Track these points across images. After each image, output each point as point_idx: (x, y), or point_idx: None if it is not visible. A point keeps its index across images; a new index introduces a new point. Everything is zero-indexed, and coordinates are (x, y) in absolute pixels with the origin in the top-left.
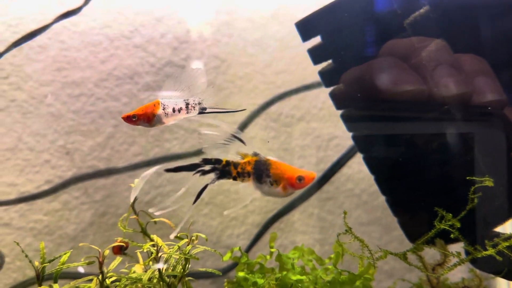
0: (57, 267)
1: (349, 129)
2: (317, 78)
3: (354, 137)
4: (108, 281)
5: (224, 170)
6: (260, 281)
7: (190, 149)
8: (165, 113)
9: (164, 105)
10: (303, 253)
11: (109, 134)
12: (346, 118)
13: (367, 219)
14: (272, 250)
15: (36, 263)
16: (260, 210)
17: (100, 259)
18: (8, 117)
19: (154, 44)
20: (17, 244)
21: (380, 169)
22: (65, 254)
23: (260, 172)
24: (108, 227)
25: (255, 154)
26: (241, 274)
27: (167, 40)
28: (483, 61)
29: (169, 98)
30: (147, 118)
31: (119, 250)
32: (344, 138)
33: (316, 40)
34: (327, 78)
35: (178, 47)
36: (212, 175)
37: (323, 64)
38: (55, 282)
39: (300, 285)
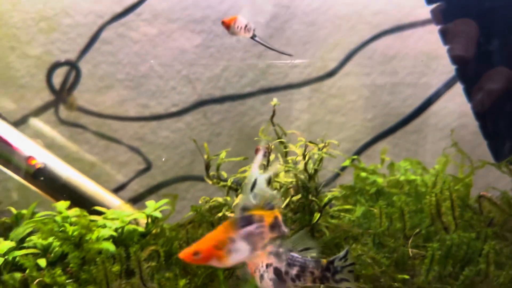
0: (218, 161)
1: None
2: (411, 19)
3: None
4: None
5: None
6: (380, 180)
7: (291, 81)
8: (235, 27)
9: (236, 21)
10: (412, 163)
11: (224, 67)
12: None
13: (449, 151)
14: (386, 159)
15: (205, 156)
16: (350, 138)
17: (268, 151)
18: (141, 49)
19: None
20: (194, 141)
21: (477, 98)
22: (223, 152)
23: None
24: (223, 145)
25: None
26: (362, 174)
27: None
28: None
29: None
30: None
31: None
32: (433, 77)
33: None
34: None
35: None
36: None
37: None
38: (218, 170)
39: (414, 183)
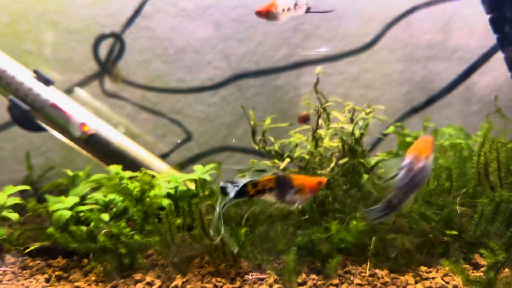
0: (264, 127)
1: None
2: None
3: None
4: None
5: (240, 191)
6: None
7: (326, 55)
8: (279, 11)
9: (277, 5)
10: (455, 129)
11: (259, 42)
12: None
13: (480, 125)
14: (430, 125)
15: (252, 122)
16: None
17: (318, 115)
18: (179, 24)
19: None
20: (243, 108)
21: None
22: (268, 118)
23: (283, 185)
24: (257, 119)
25: (275, 173)
26: (408, 139)
27: None
28: None
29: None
30: (266, 14)
31: (304, 120)
32: (467, 51)
33: None
34: None
35: None
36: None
37: None
38: (263, 135)
39: (457, 147)
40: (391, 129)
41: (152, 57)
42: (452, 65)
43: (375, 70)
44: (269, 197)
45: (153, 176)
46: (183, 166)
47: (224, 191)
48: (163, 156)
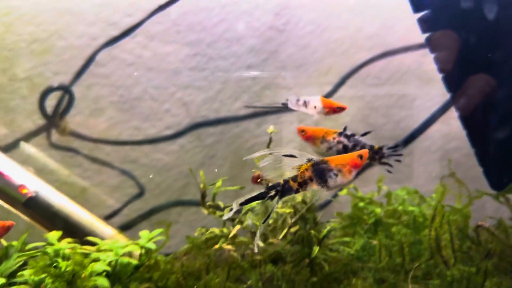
0: (215, 190)
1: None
2: (404, 43)
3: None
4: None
5: (284, 189)
6: (378, 210)
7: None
8: None
9: None
10: (409, 192)
11: (218, 89)
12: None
13: (441, 173)
14: (383, 188)
15: (201, 186)
16: None
17: (267, 182)
18: (135, 71)
19: (259, 10)
20: (191, 170)
21: (473, 125)
22: (220, 180)
23: (322, 171)
24: (217, 167)
25: (309, 160)
26: (361, 204)
27: (270, 6)
28: None
29: None
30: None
31: (257, 180)
32: (426, 100)
33: None
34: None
35: (279, 12)
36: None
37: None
38: (214, 200)
39: (413, 214)
40: (344, 191)
41: (107, 105)
42: (412, 113)
43: (334, 119)
44: (314, 187)
45: (95, 244)
46: (136, 221)
47: (265, 195)
48: (115, 212)
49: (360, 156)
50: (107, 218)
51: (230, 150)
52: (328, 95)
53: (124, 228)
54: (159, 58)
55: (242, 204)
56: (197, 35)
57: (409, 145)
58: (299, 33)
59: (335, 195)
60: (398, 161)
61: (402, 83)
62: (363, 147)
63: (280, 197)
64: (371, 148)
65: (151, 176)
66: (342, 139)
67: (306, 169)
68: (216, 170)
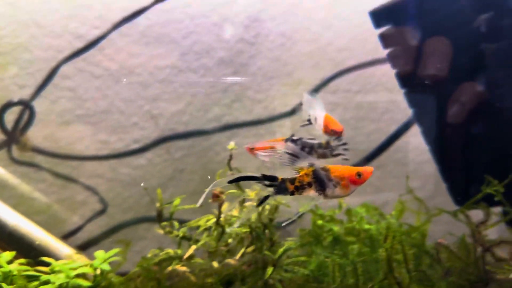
0: (172, 209)
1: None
2: (374, 56)
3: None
4: (222, 219)
5: (280, 187)
6: (336, 228)
7: (256, 117)
8: None
9: None
10: (369, 209)
11: (188, 102)
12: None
13: (413, 186)
14: (344, 205)
15: (157, 204)
16: None
17: (220, 202)
18: (103, 84)
19: (229, 23)
20: (145, 189)
21: (435, 141)
22: (177, 199)
23: (322, 179)
24: (186, 182)
25: (311, 165)
26: (319, 222)
27: (240, 19)
28: None
29: None
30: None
31: (217, 197)
32: (396, 112)
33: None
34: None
35: (249, 25)
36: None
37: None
38: (171, 219)
39: (369, 232)
40: (305, 207)
41: (73, 119)
42: (382, 125)
43: (305, 131)
44: (311, 193)
45: (49, 264)
46: (101, 238)
47: (256, 179)
48: (77, 229)
49: (359, 174)
50: (70, 235)
51: (200, 164)
52: (298, 107)
53: (88, 245)
54: (127, 71)
55: (230, 182)
56: (166, 47)
57: (378, 158)
58: (270, 46)
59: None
60: (346, 150)
61: (372, 96)
62: (311, 147)
63: (275, 192)
64: (320, 145)
65: (142, 185)
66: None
67: (306, 174)
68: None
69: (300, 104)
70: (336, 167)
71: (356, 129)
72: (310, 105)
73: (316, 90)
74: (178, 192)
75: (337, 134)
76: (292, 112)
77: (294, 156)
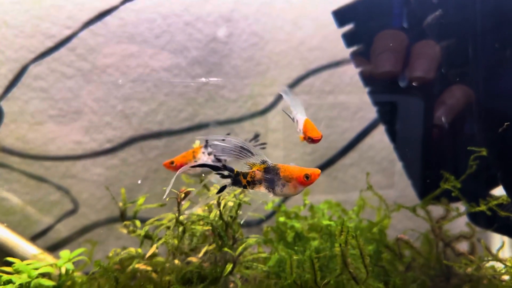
0: (136, 208)
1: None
2: (346, 55)
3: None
4: (182, 217)
5: (235, 179)
6: (297, 225)
7: (231, 116)
8: None
9: None
10: (331, 205)
11: (162, 101)
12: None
13: (385, 183)
14: (306, 202)
15: (120, 204)
16: None
17: (178, 200)
18: (75, 84)
19: (201, 22)
20: (107, 188)
21: (398, 138)
22: (141, 198)
23: (272, 177)
24: (161, 181)
25: (263, 162)
26: (281, 219)
27: (213, 19)
28: None
29: None
30: None
31: (185, 196)
32: (368, 111)
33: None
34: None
35: (222, 25)
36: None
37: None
38: (134, 218)
39: (328, 228)
40: (269, 205)
41: (46, 119)
42: (355, 124)
43: (280, 130)
44: (262, 189)
45: (12, 263)
46: (72, 238)
47: (217, 169)
48: (47, 229)
49: (307, 176)
50: (40, 235)
51: None
52: (272, 105)
53: (58, 246)
54: (100, 71)
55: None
56: (139, 47)
57: (352, 156)
58: (243, 45)
59: (270, 215)
60: (263, 148)
61: (344, 95)
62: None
63: (232, 183)
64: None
65: (139, 182)
66: (209, 149)
67: (258, 170)
68: (139, 182)
69: (280, 96)
70: (286, 167)
71: (329, 128)
72: (292, 103)
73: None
74: (153, 191)
75: (314, 142)
76: (265, 111)
77: (245, 151)
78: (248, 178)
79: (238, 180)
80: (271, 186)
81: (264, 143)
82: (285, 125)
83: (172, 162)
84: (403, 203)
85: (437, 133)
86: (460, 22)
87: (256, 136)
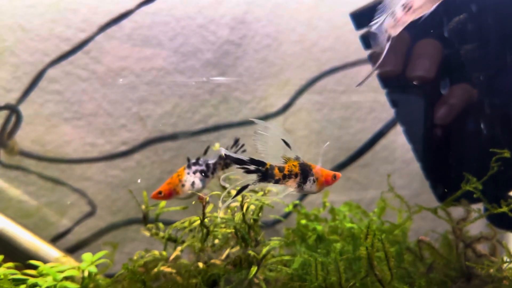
0: (158, 210)
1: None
2: (359, 56)
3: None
4: (206, 220)
5: (267, 173)
6: (319, 227)
7: (244, 117)
8: None
9: None
10: (352, 207)
11: (176, 103)
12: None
13: (399, 184)
14: (327, 204)
15: (143, 207)
16: None
17: (204, 203)
18: (90, 87)
19: (214, 24)
20: (130, 191)
21: (417, 139)
22: (163, 201)
23: (306, 173)
24: None
25: (297, 158)
26: (303, 221)
27: (226, 21)
28: None
29: None
30: None
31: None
32: (382, 111)
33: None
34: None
35: (235, 27)
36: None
37: None
38: (157, 221)
39: (351, 231)
40: (289, 207)
41: (61, 122)
42: (368, 125)
43: (292, 131)
44: (292, 184)
45: (37, 267)
46: (90, 240)
47: (242, 163)
48: (66, 232)
49: (334, 176)
50: (59, 237)
51: None
52: (285, 107)
53: (77, 248)
54: (114, 73)
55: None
56: (153, 50)
57: (364, 156)
58: (256, 47)
59: (286, 216)
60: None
61: (358, 95)
62: (214, 163)
63: (260, 179)
64: (220, 157)
65: (139, 181)
66: (196, 167)
67: (294, 165)
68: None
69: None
70: (314, 165)
71: (342, 129)
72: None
73: (302, 90)
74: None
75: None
76: (279, 112)
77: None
78: (286, 172)
79: (271, 174)
80: (304, 182)
81: (244, 148)
82: (299, 126)
83: (160, 192)
84: (417, 203)
85: (456, 135)
86: (495, 25)
87: (236, 141)
